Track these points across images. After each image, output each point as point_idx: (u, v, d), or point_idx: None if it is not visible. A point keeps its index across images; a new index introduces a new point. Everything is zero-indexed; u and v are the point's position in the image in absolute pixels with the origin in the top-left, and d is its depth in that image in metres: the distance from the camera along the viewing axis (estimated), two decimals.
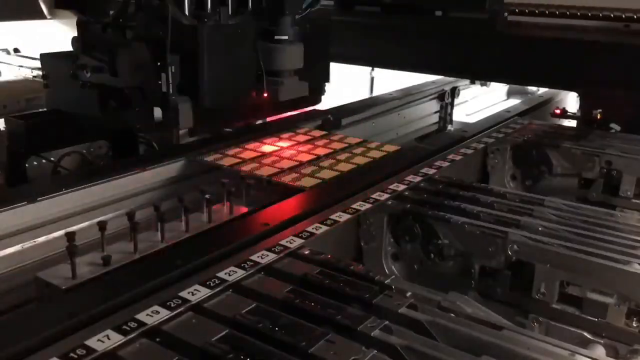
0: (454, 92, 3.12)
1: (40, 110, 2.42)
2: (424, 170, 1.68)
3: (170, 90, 1.74)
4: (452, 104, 3.12)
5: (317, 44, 2.14)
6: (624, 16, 2.61)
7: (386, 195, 1.48)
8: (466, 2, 2.82)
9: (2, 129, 2.07)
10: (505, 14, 2.75)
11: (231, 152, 1.87)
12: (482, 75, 3.01)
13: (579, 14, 2.69)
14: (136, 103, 1.84)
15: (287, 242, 1.22)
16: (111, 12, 1.93)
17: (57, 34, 3.37)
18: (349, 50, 2.84)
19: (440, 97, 3.06)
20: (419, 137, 2.87)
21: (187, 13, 1.84)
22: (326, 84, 2.34)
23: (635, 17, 2.59)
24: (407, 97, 2.84)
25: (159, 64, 1.73)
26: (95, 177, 1.63)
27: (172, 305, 0.97)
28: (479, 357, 0.87)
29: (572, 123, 2.39)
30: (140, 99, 1.83)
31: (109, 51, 1.85)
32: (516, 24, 2.80)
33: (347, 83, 3.52)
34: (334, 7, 3.08)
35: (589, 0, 2.69)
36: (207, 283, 1.04)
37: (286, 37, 1.98)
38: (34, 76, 2.99)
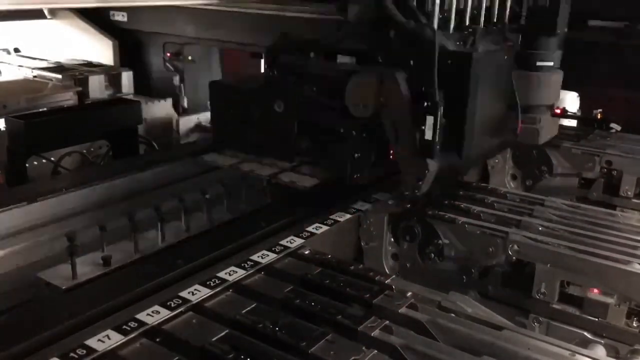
0: None
1: (40, 110, 2.42)
2: None
3: (436, 139, 1.27)
4: None
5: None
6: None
7: (386, 195, 1.48)
8: None
9: (2, 129, 2.07)
10: None
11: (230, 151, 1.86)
12: None
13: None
14: (354, 148, 1.43)
15: (287, 242, 1.22)
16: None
17: (57, 34, 3.37)
18: None
19: None
20: None
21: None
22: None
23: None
24: None
25: (426, 103, 1.27)
26: (95, 177, 1.63)
27: (172, 305, 0.97)
28: (479, 357, 0.87)
29: (572, 123, 2.38)
30: (360, 143, 1.43)
31: (325, 79, 1.44)
32: None
33: None
34: None
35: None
36: (207, 283, 1.04)
37: (551, 64, 1.54)
38: (34, 76, 2.98)
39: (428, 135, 1.28)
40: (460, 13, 1.42)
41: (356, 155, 1.43)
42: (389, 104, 1.32)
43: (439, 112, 1.27)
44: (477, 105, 1.34)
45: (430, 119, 1.27)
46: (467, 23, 1.43)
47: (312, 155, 1.60)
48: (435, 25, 1.34)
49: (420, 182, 1.31)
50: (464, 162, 1.39)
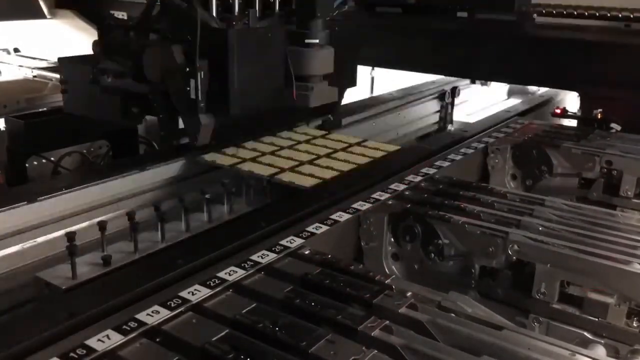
0: (454, 92, 3.12)
1: (40, 110, 2.42)
2: (424, 169, 1.68)
3: (199, 98, 1.62)
4: (452, 104, 3.12)
5: (345, 47, 2.02)
6: (621, 15, 2.61)
7: (386, 195, 1.48)
8: (494, 3, 2.76)
9: (2, 129, 2.07)
10: (534, 15, 2.71)
11: (229, 151, 1.87)
12: (482, 74, 3.01)
13: (597, 14, 2.65)
14: (160, 109, 1.77)
15: (287, 242, 1.22)
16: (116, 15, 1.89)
17: (57, 34, 3.37)
18: (369, 52, 2.74)
19: (441, 97, 3.06)
20: (419, 137, 2.87)
21: (215, 16, 1.76)
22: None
23: (633, 16, 2.59)
24: (407, 97, 2.84)
25: (187, 69, 1.62)
26: (95, 177, 1.63)
27: (172, 305, 0.97)
28: (479, 357, 0.87)
29: (572, 123, 2.38)
30: (164, 105, 1.75)
31: (133, 53, 1.76)
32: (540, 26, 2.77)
33: None
34: (355, 8, 2.96)
35: (594, 0, 2.69)
36: (207, 283, 1.04)
37: (317, 41, 1.87)
38: (34, 76, 2.99)
39: (192, 95, 1.62)
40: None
41: (161, 115, 1.80)
42: (168, 70, 1.66)
43: (199, 76, 1.60)
44: (238, 72, 1.67)
45: (192, 82, 1.61)
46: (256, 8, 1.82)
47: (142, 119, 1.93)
48: (215, 12, 1.73)
49: (197, 135, 1.67)
50: (236, 113, 1.71)
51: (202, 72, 1.61)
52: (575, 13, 2.69)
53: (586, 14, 2.66)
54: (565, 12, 2.72)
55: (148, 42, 1.77)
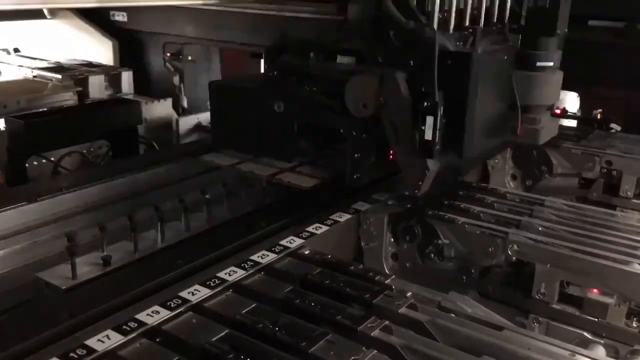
0: None
1: (40, 110, 2.42)
2: None
3: (436, 139, 1.28)
4: None
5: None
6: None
7: (386, 195, 1.48)
8: None
9: (2, 129, 2.07)
10: None
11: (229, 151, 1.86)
12: None
13: None
14: (356, 149, 1.44)
15: (287, 242, 1.22)
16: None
17: (57, 34, 3.37)
18: None
19: None
20: None
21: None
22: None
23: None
24: None
25: (425, 104, 1.27)
26: (95, 177, 1.63)
27: (172, 305, 0.97)
28: (479, 357, 0.87)
29: (572, 123, 2.38)
30: (362, 144, 1.44)
31: (324, 80, 1.46)
32: None
33: None
34: None
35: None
36: (207, 283, 1.04)
37: (552, 64, 1.54)
38: (34, 76, 2.98)
39: (428, 136, 1.28)
40: (460, 13, 1.43)
41: (356, 155, 1.44)
42: (389, 104, 1.32)
43: (439, 112, 1.26)
44: (476, 105, 1.34)
45: (430, 119, 1.27)
46: (467, 23, 1.44)
47: (312, 155, 1.61)
48: (435, 26, 1.35)
49: (420, 183, 1.32)
50: (464, 163, 1.39)
51: (442, 108, 1.28)
52: None
53: None
54: None
55: (355, 69, 1.43)
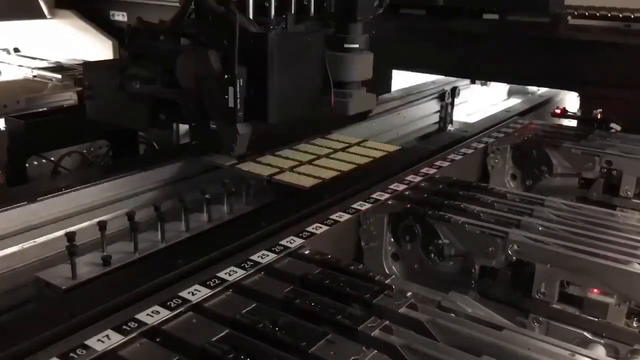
0: (454, 92, 3.12)
1: (40, 110, 2.42)
2: (424, 170, 1.68)
3: (238, 106, 1.53)
4: (452, 104, 3.11)
5: (379, 52, 1.90)
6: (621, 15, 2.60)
7: (386, 195, 1.48)
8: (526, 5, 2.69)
9: (2, 129, 2.07)
10: (569, 17, 2.67)
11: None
12: (482, 74, 3.00)
13: (632, 16, 2.62)
14: (192, 117, 1.68)
15: (287, 242, 1.22)
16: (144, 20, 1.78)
17: (57, 34, 3.37)
18: (396, 56, 2.64)
19: (441, 97, 3.06)
20: (420, 137, 2.87)
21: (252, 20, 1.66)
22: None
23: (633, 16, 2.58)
24: (407, 97, 2.84)
25: (225, 76, 1.52)
26: (95, 177, 1.63)
27: (172, 305, 0.97)
28: (479, 357, 0.87)
29: (572, 123, 2.38)
30: (196, 112, 1.65)
31: (164, 58, 1.67)
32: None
33: None
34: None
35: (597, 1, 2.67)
36: (207, 283, 1.04)
37: (357, 46, 1.77)
38: (34, 76, 2.99)
39: (230, 104, 1.52)
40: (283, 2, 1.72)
41: (193, 124, 1.70)
42: (204, 77, 1.57)
43: (238, 83, 1.51)
44: (278, 78, 1.58)
45: (231, 90, 1.52)
46: (293, 11, 1.74)
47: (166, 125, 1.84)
48: (251, 14, 1.64)
49: (234, 145, 1.59)
50: (273, 122, 1.61)
51: (241, 80, 1.53)
52: (609, 15, 2.66)
53: (620, 15, 2.64)
54: (598, 14, 2.69)
55: (181, 47, 1.69)
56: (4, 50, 3.47)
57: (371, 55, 1.82)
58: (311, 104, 1.75)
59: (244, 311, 0.97)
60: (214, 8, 1.60)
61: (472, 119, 3.12)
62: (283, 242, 1.21)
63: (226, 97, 1.52)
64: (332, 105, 1.75)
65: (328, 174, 1.71)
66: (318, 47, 1.74)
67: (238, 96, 1.51)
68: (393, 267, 1.41)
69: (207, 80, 1.56)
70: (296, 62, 1.66)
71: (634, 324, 1.18)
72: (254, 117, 1.59)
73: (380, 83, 2.07)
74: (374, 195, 1.48)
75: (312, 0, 1.80)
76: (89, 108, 1.91)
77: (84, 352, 0.86)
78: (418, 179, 1.61)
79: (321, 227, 1.30)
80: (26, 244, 1.43)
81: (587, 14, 2.71)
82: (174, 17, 1.74)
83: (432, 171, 1.67)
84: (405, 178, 1.60)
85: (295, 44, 1.67)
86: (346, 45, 1.76)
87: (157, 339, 0.91)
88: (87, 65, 1.97)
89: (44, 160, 1.94)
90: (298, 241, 1.22)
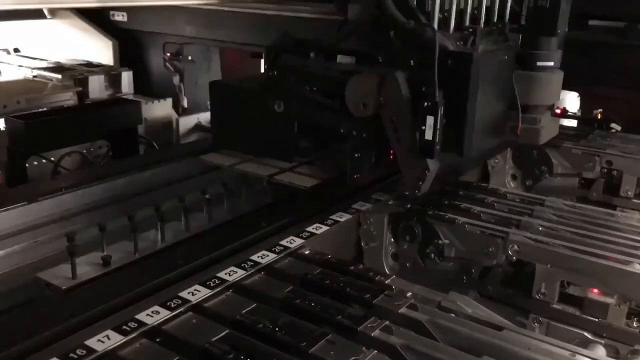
0: None
1: (40, 110, 2.42)
2: None
3: (437, 139, 1.27)
4: None
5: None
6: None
7: (387, 195, 1.48)
8: None
9: (2, 129, 2.07)
10: None
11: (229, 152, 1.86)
12: None
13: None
14: (356, 148, 1.42)
15: (287, 242, 1.22)
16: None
17: (57, 34, 3.37)
18: None
19: None
20: None
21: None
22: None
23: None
24: None
25: (426, 103, 1.25)
26: (95, 177, 1.63)
27: (172, 305, 0.97)
28: (479, 357, 0.87)
29: (572, 123, 2.38)
30: (368, 143, 1.42)
31: (325, 80, 1.44)
32: None
33: None
34: None
35: None
36: (207, 283, 1.04)
37: (552, 64, 1.53)
38: (34, 76, 2.99)
39: (428, 135, 1.27)
40: (460, 13, 1.43)
41: (356, 155, 1.43)
42: (389, 104, 1.32)
43: (439, 112, 1.26)
44: (477, 105, 1.34)
45: (430, 119, 1.27)
46: (468, 23, 1.45)
47: (312, 155, 1.62)
48: (436, 25, 1.35)
49: (421, 182, 1.32)
50: (464, 162, 1.40)
51: (442, 108, 1.27)
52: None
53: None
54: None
55: (353, 68, 1.44)
56: (4, 50, 3.47)
57: (561, 74, 1.58)
58: (498, 133, 1.51)
59: (244, 311, 0.97)
60: (402, 23, 1.34)
61: None
62: (283, 242, 1.21)
63: (423, 128, 1.27)
64: (519, 133, 1.51)
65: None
66: (510, 67, 1.50)
67: (438, 127, 1.27)
68: (393, 267, 1.41)
69: (393, 107, 1.32)
70: (493, 85, 1.43)
71: (634, 324, 1.18)
72: (445, 149, 1.32)
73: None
74: (374, 196, 1.48)
75: (483, 9, 1.50)
76: (217, 135, 1.72)
77: (84, 352, 0.86)
78: None
79: (321, 227, 1.30)
80: (26, 244, 1.43)
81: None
82: (338, 32, 1.49)
83: None
84: None
85: (497, 63, 1.44)
86: (539, 64, 1.52)
87: (157, 339, 0.91)
88: (214, 85, 1.74)
89: (44, 161, 1.94)
90: (298, 241, 1.22)
